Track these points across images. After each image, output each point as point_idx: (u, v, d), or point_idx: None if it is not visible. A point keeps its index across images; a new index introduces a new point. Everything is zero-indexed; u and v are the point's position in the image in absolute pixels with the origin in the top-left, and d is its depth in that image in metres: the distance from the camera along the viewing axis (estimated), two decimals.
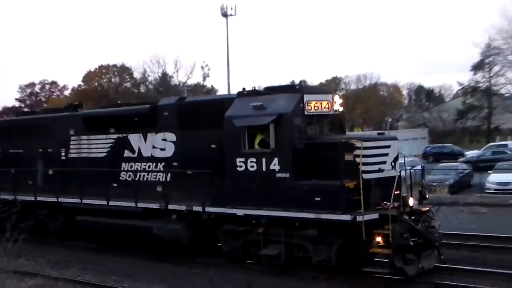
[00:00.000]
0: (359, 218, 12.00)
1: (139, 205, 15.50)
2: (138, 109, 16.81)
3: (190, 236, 14.86)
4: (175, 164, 15.26)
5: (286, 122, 12.91)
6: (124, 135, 16.41)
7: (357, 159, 12.44)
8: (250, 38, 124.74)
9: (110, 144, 16.86)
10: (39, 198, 18.10)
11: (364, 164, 12.40)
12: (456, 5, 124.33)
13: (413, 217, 12.46)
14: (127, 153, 16.38)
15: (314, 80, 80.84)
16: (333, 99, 13.70)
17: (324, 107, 13.46)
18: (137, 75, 77.81)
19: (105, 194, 16.29)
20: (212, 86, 79.20)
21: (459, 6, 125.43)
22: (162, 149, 15.56)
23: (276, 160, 12.94)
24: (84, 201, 16.86)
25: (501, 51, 43.68)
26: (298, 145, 12.88)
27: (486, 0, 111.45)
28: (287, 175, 12.80)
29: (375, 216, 12.14)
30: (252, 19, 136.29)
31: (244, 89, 14.39)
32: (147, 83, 77.64)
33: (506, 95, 59.74)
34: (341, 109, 14.08)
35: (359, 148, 12.44)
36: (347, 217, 12.10)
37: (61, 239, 17.86)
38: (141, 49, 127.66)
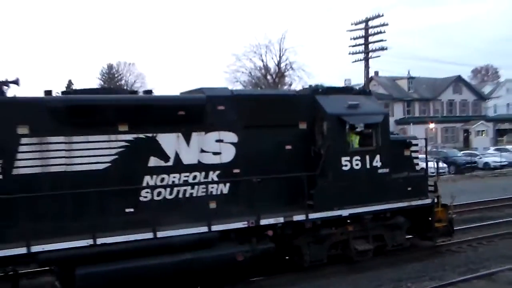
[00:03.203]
0: (435, 201, 13.56)
1: (212, 228, 10.67)
2: (186, 99, 11.25)
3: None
4: (236, 171, 11.53)
5: (386, 122, 12.91)
6: (149, 135, 10.69)
7: (412, 154, 13.83)
8: None
9: (119, 150, 10.43)
10: None
11: (416, 158, 13.94)
12: None
13: None
14: (154, 162, 10.73)
15: None
16: None
17: None
18: None
19: (115, 226, 10.18)
20: None
21: None
22: (216, 153, 11.34)
23: (378, 157, 12.65)
24: (100, 241, 9.72)
25: None
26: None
27: None
28: (387, 170, 12.82)
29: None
30: None
31: (312, 85, 12.77)
32: None
33: None
34: None
35: (414, 145, 13.90)
36: (429, 201, 13.45)
37: None
38: None
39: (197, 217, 10.79)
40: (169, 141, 10.89)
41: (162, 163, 10.84)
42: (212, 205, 11.20)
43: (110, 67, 77.77)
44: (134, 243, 10.03)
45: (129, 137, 10.56)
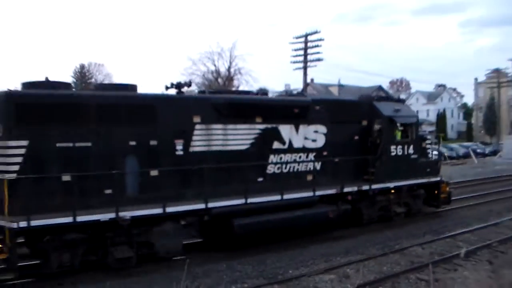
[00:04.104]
0: (441, 179, 17.86)
1: (316, 193, 14.15)
2: (299, 101, 14.57)
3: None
4: (325, 153, 15.10)
5: (417, 122, 17.06)
6: (274, 125, 13.92)
7: (427, 146, 17.98)
8: None
9: (255, 135, 13.57)
10: (170, 209, 11.66)
11: (428, 148, 18.13)
12: None
13: None
14: (276, 145, 14.00)
15: None
16: None
17: None
18: None
19: (252, 190, 13.15)
20: None
21: None
22: (314, 140, 14.89)
23: (411, 147, 16.67)
24: (249, 200, 12.84)
25: None
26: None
27: None
28: (416, 156, 16.91)
29: None
30: None
31: (371, 95, 16.49)
32: None
33: None
34: None
35: (428, 139, 18.08)
36: (439, 178, 17.72)
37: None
38: None
39: (300, 186, 14.15)
40: (286, 131, 14.19)
41: (281, 146, 14.12)
42: (309, 177, 14.64)
43: (82, 66, 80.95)
44: (269, 203, 13.27)
45: (262, 126, 13.75)
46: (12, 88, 11.67)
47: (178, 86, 12.82)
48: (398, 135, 16.54)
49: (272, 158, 13.97)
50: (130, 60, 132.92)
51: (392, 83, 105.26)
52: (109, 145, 11.41)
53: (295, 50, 45.71)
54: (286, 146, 14.23)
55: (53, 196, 10.65)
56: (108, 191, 11.26)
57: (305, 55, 45.13)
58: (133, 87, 12.37)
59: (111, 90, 12.24)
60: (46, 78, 11.81)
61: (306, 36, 44.70)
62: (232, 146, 13.23)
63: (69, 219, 10.43)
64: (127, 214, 11.09)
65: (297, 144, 14.46)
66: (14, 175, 10.34)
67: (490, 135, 73.92)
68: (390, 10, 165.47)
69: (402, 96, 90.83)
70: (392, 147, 16.17)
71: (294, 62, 45.98)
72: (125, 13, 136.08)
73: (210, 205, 12.32)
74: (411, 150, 16.71)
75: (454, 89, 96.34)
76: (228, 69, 61.26)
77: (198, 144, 12.67)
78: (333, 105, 15.57)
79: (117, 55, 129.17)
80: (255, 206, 13.04)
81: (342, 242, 14.26)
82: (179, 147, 12.40)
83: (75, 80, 74.41)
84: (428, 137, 18.62)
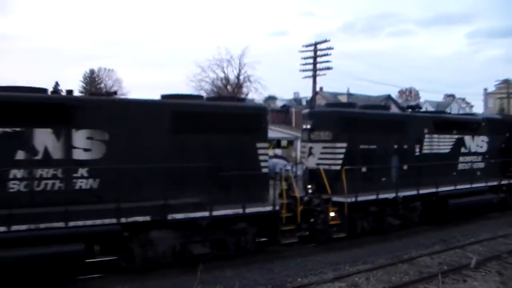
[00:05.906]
0: None
1: (487, 184, 19.50)
2: (475, 119, 20.31)
3: None
4: (487, 156, 20.36)
5: None
6: (461, 136, 19.25)
7: None
8: None
9: (452, 142, 18.85)
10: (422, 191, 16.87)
11: None
12: None
13: None
14: (463, 150, 19.33)
15: None
16: None
17: None
18: None
19: (452, 181, 18.37)
20: None
21: None
22: (481, 147, 20.25)
23: None
24: (458, 187, 18.15)
25: None
26: None
27: None
28: None
29: None
30: None
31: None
32: None
33: None
34: None
35: None
36: None
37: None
38: None
39: (473, 179, 19.35)
40: (468, 139, 19.58)
41: (465, 151, 19.48)
42: (478, 173, 19.94)
43: (92, 72, 79.70)
44: (464, 189, 18.50)
45: (456, 136, 19.09)
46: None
47: (413, 107, 18.16)
48: None
49: (460, 158, 19.28)
50: (139, 66, 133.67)
51: (401, 92, 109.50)
52: (384, 147, 16.52)
53: (304, 58, 44.74)
54: (467, 151, 19.56)
55: (357, 181, 15.68)
56: (383, 179, 16.37)
57: (314, 63, 44.16)
58: (386, 107, 17.59)
59: (371, 109, 17.45)
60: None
61: (315, 44, 44.03)
62: (442, 150, 18.51)
63: (373, 197, 15.53)
64: (401, 194, 16.20)
65: (473, 149, 19.80)
66: (339, 167, 15.38)
67: None
68: (397, 20, 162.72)
69: None
70: None
71: (303, 71, 45.07)
72: (135, 18, 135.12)
73: (439, 189, 17.56)
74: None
75: (463, 99, 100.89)
76: (237, 77, 59.63)
77: (426, 148, 17.90)
78: (491, 121, 21.05)
79: (127, 60, 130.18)
80: (458, 192, 18.30)
81: (350, 251, 14.19)
82: (417, 149, 17.61)
83: (84, 85, 75.26)
84: None
